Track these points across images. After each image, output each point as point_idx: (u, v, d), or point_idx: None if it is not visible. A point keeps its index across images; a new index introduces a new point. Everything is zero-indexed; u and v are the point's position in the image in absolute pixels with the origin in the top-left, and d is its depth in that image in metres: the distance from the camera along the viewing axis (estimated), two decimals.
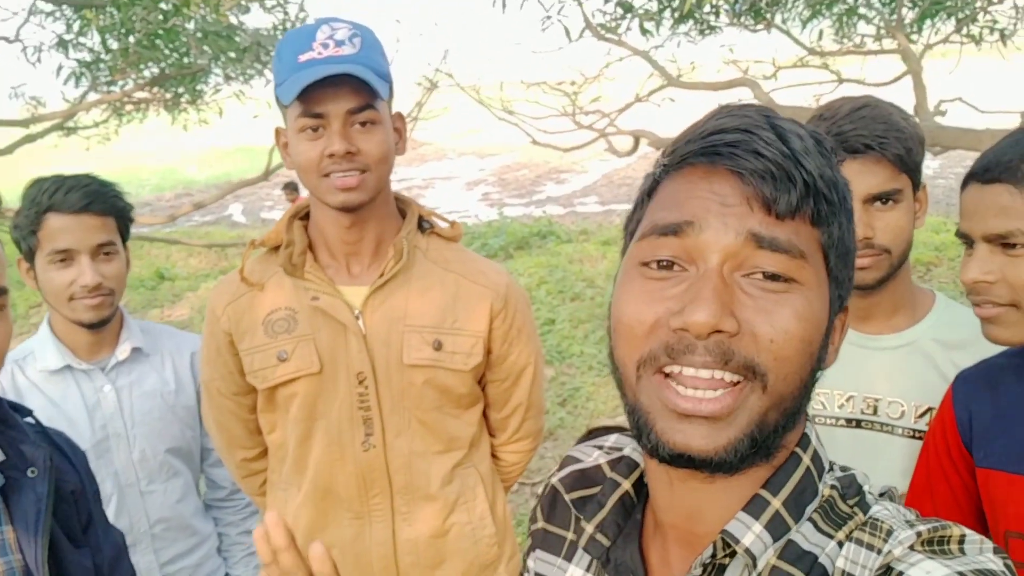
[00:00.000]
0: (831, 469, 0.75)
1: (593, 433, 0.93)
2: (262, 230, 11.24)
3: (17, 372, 1.76)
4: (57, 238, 1.67)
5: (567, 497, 0.86)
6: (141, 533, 1.83)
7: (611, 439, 0.91)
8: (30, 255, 1.72)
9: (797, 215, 0.66)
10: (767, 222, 0.66)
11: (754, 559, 0.68)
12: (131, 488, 1.82)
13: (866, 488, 0.73)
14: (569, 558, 0.86)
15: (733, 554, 0.70)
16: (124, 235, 1.79)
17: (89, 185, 1.71)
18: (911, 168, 1.37)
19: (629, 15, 6.09)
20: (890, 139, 1.33)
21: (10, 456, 1.15)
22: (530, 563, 0.92)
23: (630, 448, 0.86)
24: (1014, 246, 1.13)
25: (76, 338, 1.78)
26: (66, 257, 1.69)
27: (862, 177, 1.34)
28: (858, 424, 1.46)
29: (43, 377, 1.77)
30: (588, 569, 0.84)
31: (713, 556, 0.69)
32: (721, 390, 0.65)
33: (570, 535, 0.86)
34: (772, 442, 0.68)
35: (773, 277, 0.66)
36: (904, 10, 5.53)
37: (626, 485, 0.81)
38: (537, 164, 18.52)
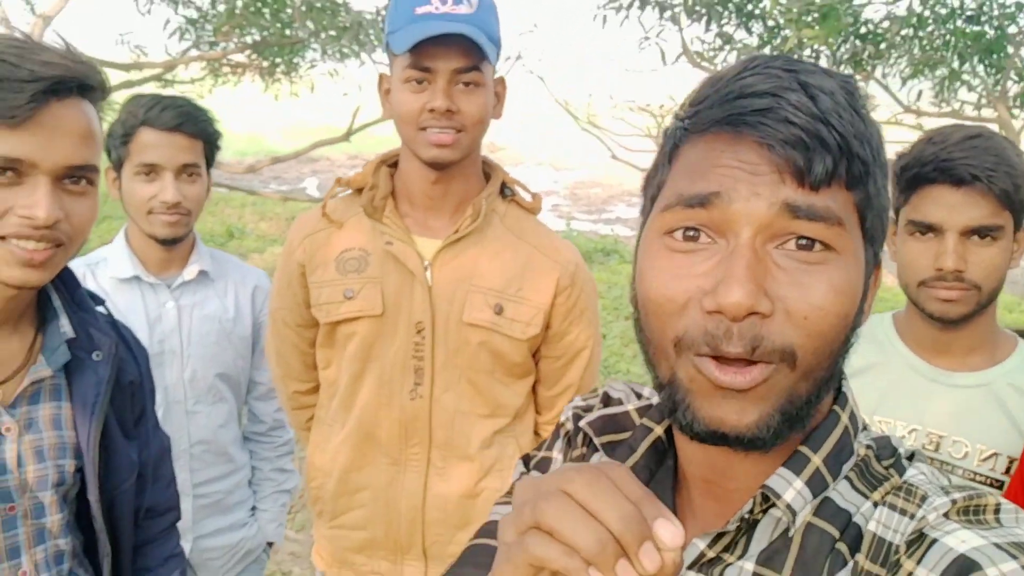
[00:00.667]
0: (865, 429, 0.75)
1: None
2: None
3: (88, 276, 1.84)
4: (146, 152, 1.74)
5: (597, 441, 0.84)
6: (180, 451, 1.88)
7: (646, 389, 0.89)
8: (118, 165, 1.79)
9: (833, 181, 0.63)
10: (801, 191, 0.63)
11: (794, 515, 0.67)
12: (178, 405, 1.88)
13: (901, 451, 0.73)
14: None
15: (766, 510, 0.69)
16: (210, 160, 1.86)
17: (183, 107, 1.79)
18: (1016, 206, 1.33)
19: (728, 46, 6.08)
20: (999, 173, 1.29)
21: (79, 336, 1.19)
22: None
23: (657, 397, 0.85)
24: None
25: (148, 252, 1.85)
26: (152, 171, 1.75)
27: (964, 208, 1.31)
28: None
29: (112, 284, 1.84)
30: None
31: (751, 511, 0.68)
32: (748, 366, 0.63)
33: None
34: (807, 412, 0.67)
35: (809, 246, 0.63)
36: (1009, 83, 5.43)
37: (659, 431, 0.80)
38: (611, 184, 18.49)
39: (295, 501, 3.84)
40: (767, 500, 0.68)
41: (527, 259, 1.59)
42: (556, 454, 0.88)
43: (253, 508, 2.10)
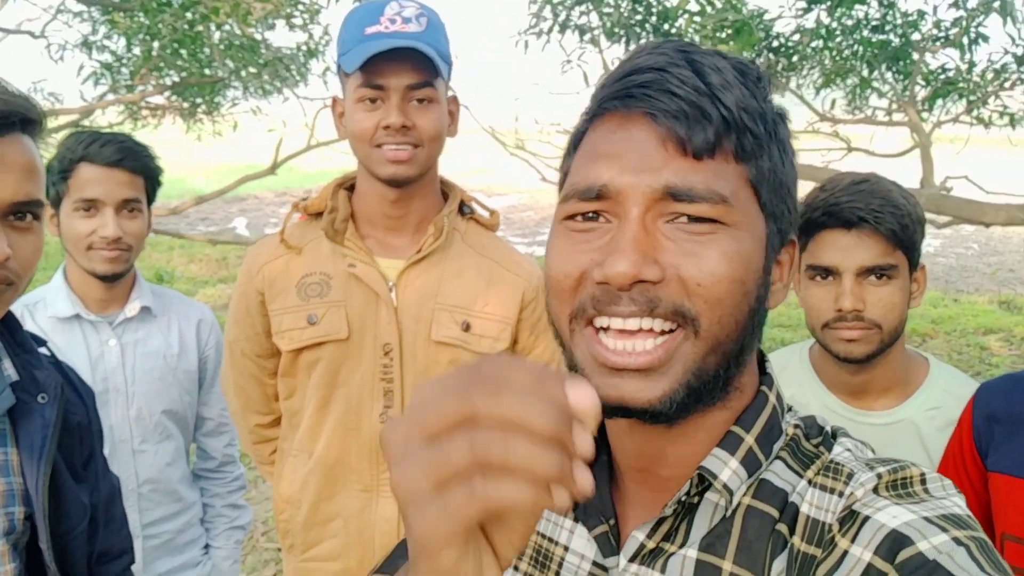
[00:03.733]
0: (790, 409, 0.76)
1: None
2: None
3: (27, 317, 1.79)
4: (86, 188, 1.72)
5: None
6: (128, 491, 1.83)
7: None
8: (56, 202, 1.76)
9: (717, 152, 0.64)
10: (684, 167, 0.64)
11: (731, 494, 0.68)
12: (124, 444, 1.84)
13: (827, 429, 0.74)
14: None
15: (702, 492, 0.69)
16: (151, 197, 1.84)
17: (124, 142, 1.77)
18: (907, 245, 1.38)
19: None
20: (885, 214, 1.34)
21: (23, 379, 1.15)
22: None
23: None
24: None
25: (88, 289, 1.82)
26: (91, 207, 1.73)
27: (856, 250, 1.36)
28: None
29: (52, 324, 1.80)
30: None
31: (688, 493, 0.69)
32: (652, 341, 0.64)
33: None
34: (715, 387, 0.67)
35: (697, 220, 0.65)
36: (917, 87, 5.67)
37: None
38: (543, 207, 18.66)
39: (245, 542, 3.73)
40: (703, 481, 0.68)
41: (491, 274, 1.60)
42: None
43: (206, 546, 2.05)
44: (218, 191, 8.13)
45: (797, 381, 1.55)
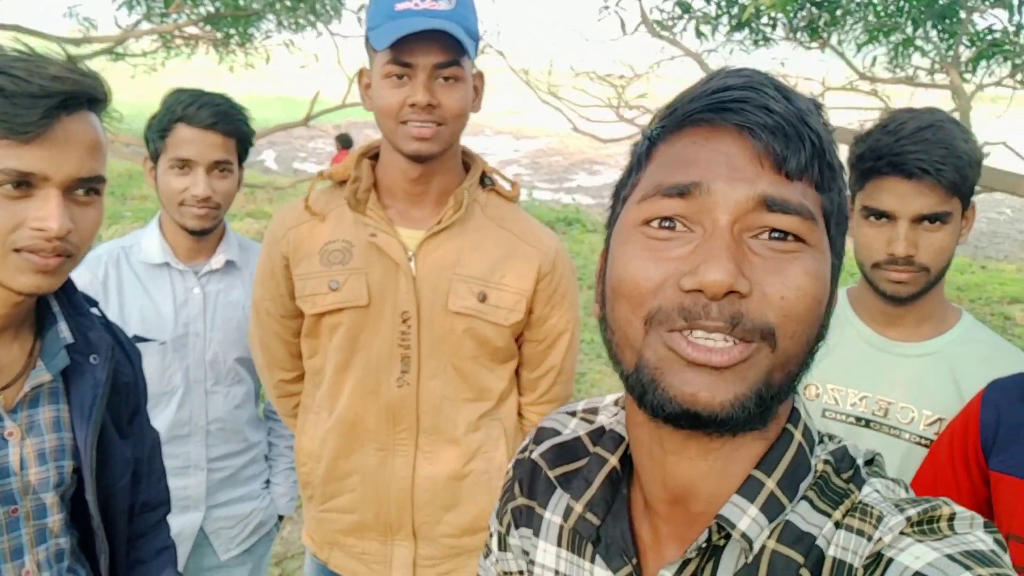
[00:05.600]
0: (821, 441, 0.74)
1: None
2: (292, 179, 11.31)
3: (123, 257, 1.92)
4: (181, 147, 1.82)
5: (551, 474, 0.83)
6: (198, 427, 1.96)
7: (580, 404, 0.89)
8: (155, 156, 1.87)
9: (804, 176, 0.64)
10: (777, 182, 0.64)
11: (750, 543, 0.66)
12: (198, 385, 1.95)
13: (859, 461, 0.71)
14: (538, 533, 0.85)
15: (727, 536, 0.68)
16: (242, 156, 1.94)
17: (220, 105, 1.85)
18: (963, 192, 1.41)
19: (687, 16, 6.11)
20: (947, 166, 1.36)
21: (77, 341, 1.21)
22: (513, 541, 0.90)
23: (607, 417, 0.85)
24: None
25: (179, 240, 1.93)
26: (185, 165, 1.83)
27: (914, 198, 1.39)
28: (867, 424, 1.52)
29: (143, 268, 1.92)
30: (558, 543, 0.82)
31: (708, 540, 0.68)
32: (729, 345, 0.63)
33: (544, 512, 0.84)
34: (773, 405, 0.66)
35: (783, 236, 0.64)
36: (961, 48, 5.53)
37: (613, 461, 0.79)
38: (572, 152, 18.52)
39: None
40: (722, 529, 0.68)
41: (509, 247, 1.63)
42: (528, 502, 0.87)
43: (267, 482, 2.17)
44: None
45: (834, 319, 1.58)
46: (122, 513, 1.31)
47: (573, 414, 0.88)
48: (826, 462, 0.70)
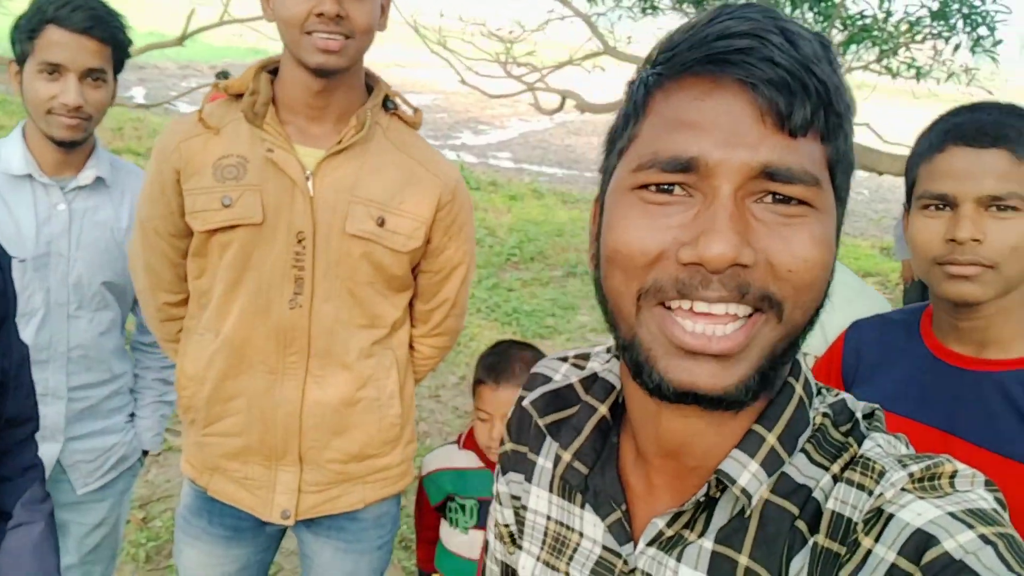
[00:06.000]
0: (819, 393, 0.72)
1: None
2: (164, 118, 10.77)
3: None
4: (51, 51, 1.69)
5: (541, 422, 0.81)
6: (58, 353, 1.85)
7: (571, 351, 0.88)
8: (21, 59, 1.73)
9: (809, 130, 0.61)
10: (781, 145, 0.60)
11: (749, 498, 0.65)
12: (60, 308, 1.83)
13: (858, 414, 0.70)
14: (530, 479, 0.85)
15: (723, 489, 0.68)
16: (118, 67, 1.81)
17: (96, 9, 1.73)
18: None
19: None
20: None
21: None
22: (501, 487, 0.90)
23: (599, 364, 0.83)
24: (1006, 209, 1.16)
25: (44, 152, 1.80)
26: (55, 71, 1.71)
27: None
28: None
29: (4, 179, 1.78)
30: (550, 490, 0.83)
31: (707, 494, 0.67)
32: (732, 325, 0.61)
33: (537, 458, 0.85)
34: (780, 372, 0.65)
35: (787, 200, 0.61)
36: (834, 31, 5.80)
37: (603, 410, 0.78)
38: (457, 111, 18.39)
39: None
40: (721, 484, 0.67)
41: (409, 173, 1.61)
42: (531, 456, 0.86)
43: (131, 416, 2.07)
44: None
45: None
46: None
47: (564, 359, 0.87)
48: (824, 415, 0.69)
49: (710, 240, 0.59)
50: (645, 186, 0.63)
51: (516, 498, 0.88)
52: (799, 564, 0.64)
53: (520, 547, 0.88)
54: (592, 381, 0.81)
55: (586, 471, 0.76)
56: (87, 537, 2.02)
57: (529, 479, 0.85)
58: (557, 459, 0.80)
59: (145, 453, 2.13)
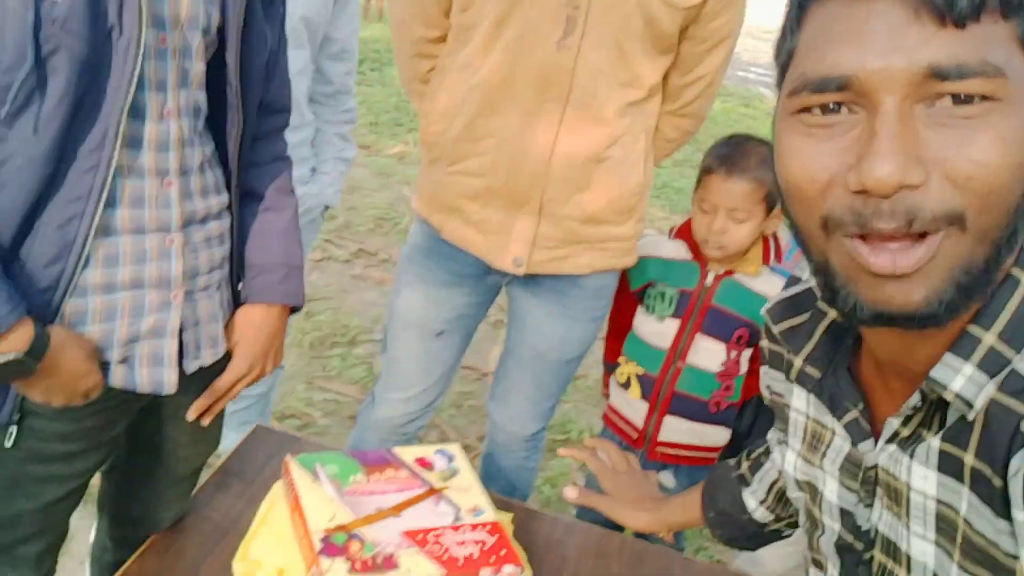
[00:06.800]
0: None
1: None
2: None
3: None
4: None
5: (775, 329, 0.82)
6: None
7: None
8: None
9: (983, 14, 0.54)
10: (947, 39, 0.54)
11: (968, 403, 0.62)
12: None
13: None
14: (790, 378, 0.86)
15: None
16: None
17: None
18: None
19: None
20: None
21: None
22: (764, 379, 0.95)
23: None
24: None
25: None
26: None
27: None
28: None
29: None
30: (808, 390, 0.83)
31: (923, 400, 0.66)
32: (913, 247, 0.58)
33: (795, 359, 0.84)
34: (985, 280, 0.60)
35: (967, 100, 0.55)
36: None
37: (833, 314, 0.78)
38: None
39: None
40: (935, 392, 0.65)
41: None
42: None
43: (312, 169, 2.09)
44: None
45: None
46: (254, 97, 1.24)
47: None
48: None
49: (872, 164, 0.55)
50: (806, 109, 0.61)
51: (778, 395, 0.91)
52: (1018, 463, 0.60)
53: (786, 443, 0.91)
54: None
55: (819, 375, 0.78)
56: None
57: (788, 377, 0.86)
58: (790, 365, 0.83)
59: (326, 208, 2.15)
